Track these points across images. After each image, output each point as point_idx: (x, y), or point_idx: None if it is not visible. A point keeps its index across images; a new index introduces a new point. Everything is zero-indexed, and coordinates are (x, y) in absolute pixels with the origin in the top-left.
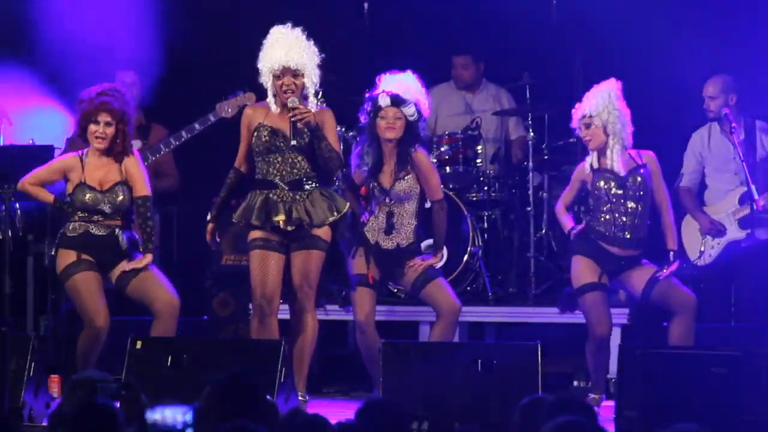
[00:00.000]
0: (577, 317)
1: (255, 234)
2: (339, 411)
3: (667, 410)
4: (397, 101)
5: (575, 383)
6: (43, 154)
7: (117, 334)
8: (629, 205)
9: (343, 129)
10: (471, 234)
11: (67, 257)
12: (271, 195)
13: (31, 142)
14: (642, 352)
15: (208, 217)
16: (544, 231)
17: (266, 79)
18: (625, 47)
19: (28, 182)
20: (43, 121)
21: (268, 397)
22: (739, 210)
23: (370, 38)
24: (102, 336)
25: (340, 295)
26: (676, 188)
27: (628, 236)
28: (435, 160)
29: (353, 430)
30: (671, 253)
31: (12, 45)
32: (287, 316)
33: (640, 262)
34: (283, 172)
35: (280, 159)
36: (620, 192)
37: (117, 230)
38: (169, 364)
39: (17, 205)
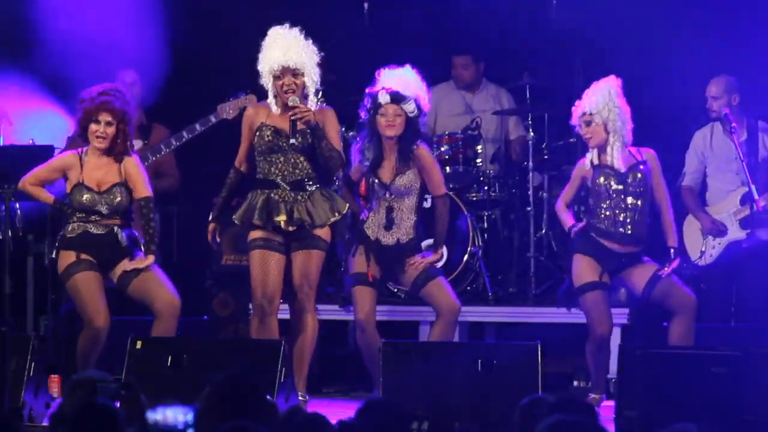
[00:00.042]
0: (577, 317)
1: (255, 234)
2: (339, 411)
3: (667, 410)
4: (396, 98)
5: (575, 383)
6: (43, 154)
7: (117, 334)
8: (629, 201)
9: (343, 129)
10: (471, 234)
11: (67, 258)
12: (272, 195)
13: (31, 142)
14: (642, 352)
15: (210, 218)
16: (544, 231)
17: (267, 81)
18: (625, 47)
19: (29, 182)
20: (43, 123)
21: (268, 397)
22: (740, 210)
23: (370, 38)
24: (102, 336)
25: (340, 295)
26: (678, 187)
27: (629, 232)
28: None
29: (354, 429)
30: (672, 250)
31: (11, 45)
32: (287, 316)
33: (641, 259)
34: (285, 173)
35: (282, 159)
36: (620, 188)
37: (116, 228)
38: (169, 364)
39: (17, 205)
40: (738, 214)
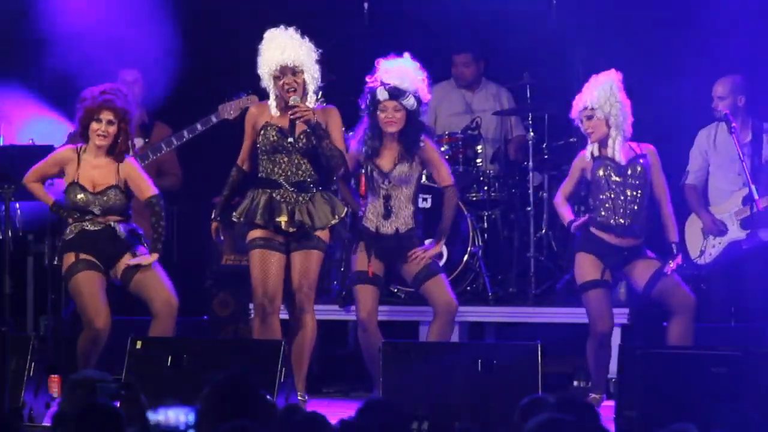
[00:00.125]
0: (577, 317)
1: (255, 233)
2: (339, 411)
3: (667, 410)
4: (395, 94)
5: (575, 383)
6: (43, 154)
7: (117, 334)
8: (628, 193)
9: (344, 129)
10: (471, 234)
11: (68, 259)
12: (274, 195)
13: (31, 142)
14: (642, 352)
15: (212, 216)
16: (544, 231)
17: (268, 83)
18: (625, 47)
19: (31, 179)
20: (43, 128)
21: (268, 397)
22: (741, 210)
23: (370, 38)
24: (102, 337)
25: (340, 295)
26: (681, 186)
27: (628, 223)
28: None
29: (354, 428)
30: (673, 245)
31: (12, 44)
32: (286, 317)
33: (644, 253)
34: (288, 173)
35: (286, 159)
36: (619, 179)
37: (113, 223)
38: (169, 364)
39: (17, 205)
40: (739, 214)
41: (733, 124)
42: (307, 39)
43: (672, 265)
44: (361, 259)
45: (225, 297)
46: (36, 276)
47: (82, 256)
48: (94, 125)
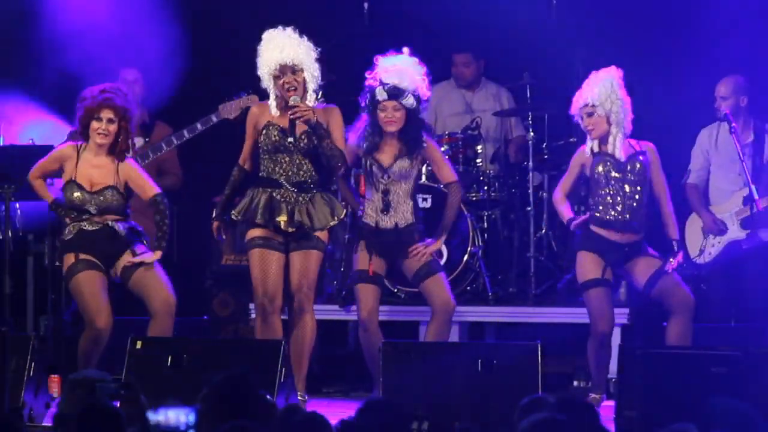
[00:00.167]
0: (577, 317)
1: (255, 232)
2: (339, 411)
3: (667, 410)
4: (394, 94)
5: (575, 383)
6: (43, 154)
7: (117, 334)
8: (627, 189)
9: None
10: (471, 234)
11: (68, 260)
12: (274, 194)
13: (31, 142)
14: (642, 352)
15: (213, 215)
16: (544, 231)
17: (268, 84)
18: (625, 47)
19: (34, 175)
20: (44, 132)
21: (268, 397)
22: (742, 210)
23: (370, 38)
24: (104, 336)
25: (340, 295)
26: (683, 185)
27: (627, 218)
28: None
29: (353, 428)
30: (674, 242)
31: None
32: (285, 317)
33: (645, 250)
34: (289, 173)
35: (287, 159)
36: (619, 176)
37: (110, 222)
38: (169, 364)
39: (17, 205)
40: (740, 214)
41: (733, 124)
42: (305, 38)
43: (673, 263)
44: (362, 258)
45: (225, 297)
46: (36, 276)
47: (82, 256)
48: (94, 124)
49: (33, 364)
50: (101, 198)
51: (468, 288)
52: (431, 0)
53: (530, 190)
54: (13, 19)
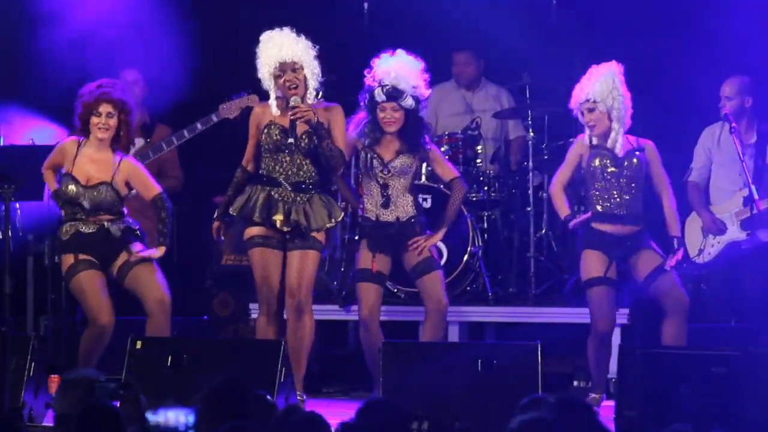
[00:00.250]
0: (577, 317)
1: (253, 231)
2: (339, 411)
3: (667, 410)
4: (393, 96)
5: (575, 383)
6: (43, 155)
7: (117, 334)
8: (622, 182)
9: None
10: (471, 234)
11: (67, 260)
12: (273, 193)
13: (31, 142)
14: (642, 352)
15: (215, 215)
16: (544, 231)
17: (269, 83)
18: (625, 47)
19: (45, 167)
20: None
21: (267, 397)
22: (742, 211)
23: (370, 38)
24: (107, 333)
25: (340, 295)
26: (684, 183)
27: (624, 212)
28: None
29: (354, 429)
30: (675, 240)
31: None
32: (284, 317)
33: (647, 243)
34: (289, 173)
35: (288, 159)
36: (615, 170)
37: (106, 224)
38: (169, 364)
39: (17, 205)
40: (740, 215)
41: (734, 125)
42: (303, 36)
43: (672, 260)
44: (364, 256)
45: (225, 297)
46: (36, 276)
47: (81, 256)
48: (94, 119)
49: (33, 364)
50: (95, 193)
51: (468, 288)
52: (431, 0)
53: (530, 191)
54: (16, 29)
